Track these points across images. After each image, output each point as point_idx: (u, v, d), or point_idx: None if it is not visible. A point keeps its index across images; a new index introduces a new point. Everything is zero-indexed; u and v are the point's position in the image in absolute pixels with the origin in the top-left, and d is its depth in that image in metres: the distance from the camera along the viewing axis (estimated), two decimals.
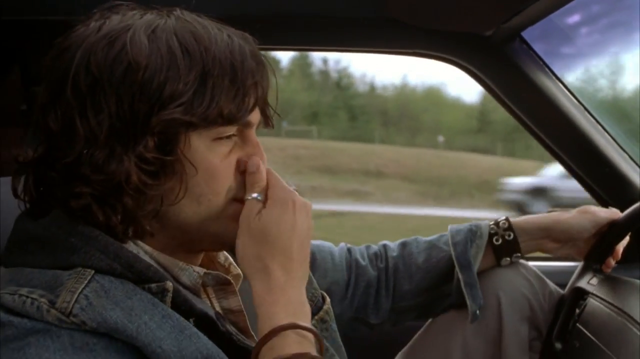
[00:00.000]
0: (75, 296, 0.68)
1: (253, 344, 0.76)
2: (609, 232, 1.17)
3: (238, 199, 0.80)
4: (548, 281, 1.21)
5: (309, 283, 0.94)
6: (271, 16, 1.34)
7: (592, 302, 1.12)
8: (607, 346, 1.00)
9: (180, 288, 0.77)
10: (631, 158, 1.42)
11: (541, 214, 1.19)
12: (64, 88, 0.73)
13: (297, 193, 0.81)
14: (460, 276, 1.13)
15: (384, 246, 1.22)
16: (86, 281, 0.70)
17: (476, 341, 1.16)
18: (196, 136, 0.75)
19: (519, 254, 1.17)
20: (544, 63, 1.39)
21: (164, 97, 0.72)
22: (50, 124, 0.73)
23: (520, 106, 1.41)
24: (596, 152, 1.41)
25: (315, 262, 1.13)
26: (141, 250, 0.78)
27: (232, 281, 0.87)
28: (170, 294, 0.74)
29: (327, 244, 1.19)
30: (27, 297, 0.68)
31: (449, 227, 1.19)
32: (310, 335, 0.75)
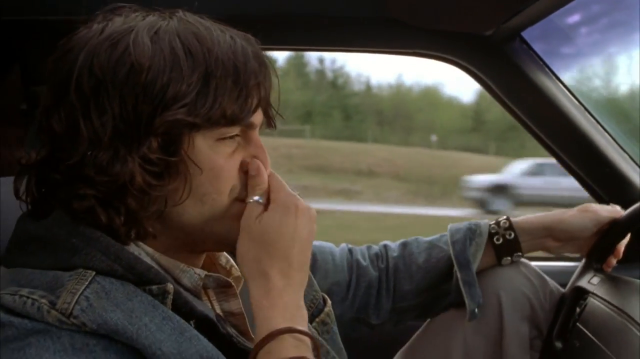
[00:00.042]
0: (76, 297, 0.68)
1: None
2: (610, 231, 1.17)
3: (241, 199, 0.80)
4: (549, 280, 1.21)
5: (310, 285, 0.94)
6: (271, 16, 1.34)
7: (592, 301, 1.12)
8: (607, 346, 1.00)
9: (181, 290, 0.77)
10: (631, 158, 1.42)
11: (542, 213, 1.19)
12: (68, 90, 0.72)
13: (300, 198, 0.81)
14: (458, 275, 1.13)
15: (385, 246, 1.22)
16: (87, 282, 0.70)
17: (476, 340, 1.16)
18: (200, 137, 0.75)
19: (520, 254, 1.17)
20: (544, 63, 1.39)
21: (167, 98, 0.72)
22: (54, 125, 0.73)
23: (520, 106, 1.41)
24: (596, 152, 1.41)
25: (316, 263, 1.13)
26: (142, 252, 0.78)
27: (233, 283, 0.87)
28: (171, 296, 0.74)
29: (328, 244, 1.19)
30: (28, 298, 0.68)
31: (449, 226, 1.19)
32: (307, 339, 0.75)
